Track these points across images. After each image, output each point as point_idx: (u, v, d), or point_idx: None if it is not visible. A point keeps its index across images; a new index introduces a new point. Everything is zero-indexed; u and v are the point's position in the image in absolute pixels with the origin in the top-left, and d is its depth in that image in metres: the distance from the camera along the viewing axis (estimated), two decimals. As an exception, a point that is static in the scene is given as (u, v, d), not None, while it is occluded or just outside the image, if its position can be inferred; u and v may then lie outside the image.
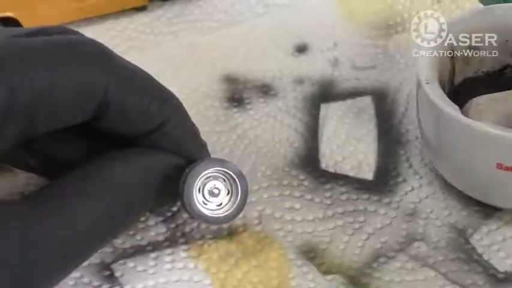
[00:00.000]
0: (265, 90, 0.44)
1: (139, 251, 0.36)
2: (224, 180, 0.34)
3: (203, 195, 0.34)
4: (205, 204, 0.34)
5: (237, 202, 0.34)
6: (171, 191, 0.34)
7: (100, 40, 0.47)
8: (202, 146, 0.36)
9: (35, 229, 0.29)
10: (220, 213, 0.34)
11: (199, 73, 0.45)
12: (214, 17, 0.49)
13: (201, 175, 0.33)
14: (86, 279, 0.34)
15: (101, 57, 0.32)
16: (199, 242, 0.36)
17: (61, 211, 0.30)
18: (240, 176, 0.34)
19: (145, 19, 0.49)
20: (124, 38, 0.47)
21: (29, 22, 0.46)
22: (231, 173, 0.34)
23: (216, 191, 0.34)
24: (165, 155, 0.34)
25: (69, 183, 0.31)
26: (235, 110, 0.43)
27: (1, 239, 0.28)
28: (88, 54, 0.31)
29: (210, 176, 0.34)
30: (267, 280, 0.34)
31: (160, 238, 0.36)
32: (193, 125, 0.35)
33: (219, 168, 0.34)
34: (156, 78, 0.34)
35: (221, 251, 0.35)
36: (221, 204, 0.34)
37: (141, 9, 0.49)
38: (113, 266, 0.35)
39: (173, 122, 0.34)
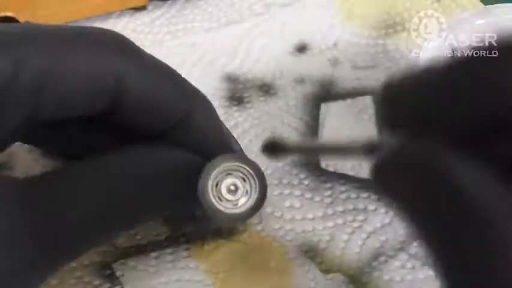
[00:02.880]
0: (266, 89, 0.44)
1: (140, 250, 0.36)
2: (244, 180, 0.33)
3: (220, 191, 0.32)
4: (221, 200, 0.32)
5: (254, 202, 0.33)
6: (190, 191, 0.32)
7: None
8: (227, 142, 0.34)
9: (47, 210, 0.28)
10: (234, 210, 0.32)
11: (199, 73, 0.45)
12: (214, 16, 0.49)
13: (219, 167, 0.32)
14: (86, 279, 0.34)
15: (120, 45, 0.31)
16: (200, 242, 0.36)
17: (72, 195, 0.29)
18: (261, 176, 0.33)
19: (145, 19, 0.49)
20: (124, 38, 0.47)
21: (29, 22, 0.46)
22: (251, 172, 0.32)
23: (233, 188, 0.32)
24: (186, 152, 0.32)
25: (84, 169, 0.30)
26: (235, 109, 0.43)
27: (12, 217, 0.28)
28: (105, 40, 0.30)
29: (229, 173, 0.32)
30: (267, 279, 0.34)
31: (161, 237, 0.36)
32: (219, 119, 0.34)
33: (239, 165, 0.32)
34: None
35: (222, 250, 0.35)
36: (237, 203, 0.32)
37: (141, 9, 0.49)
38: (114, 265, 0.35)
39: (197, 116, 0.32)
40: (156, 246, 0.36)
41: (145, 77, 0.31)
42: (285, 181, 0.39)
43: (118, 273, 0.35)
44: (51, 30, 0.30)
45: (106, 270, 0.35)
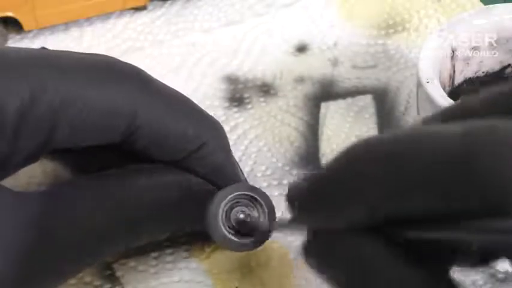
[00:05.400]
0: (266, 89, 0.44)
1: (140, 250, 0.36)
2: (253, 208, 0.32)
3: (229, 220, 0.32)
4: (230, 229, 0.32)
5: (262, 232, 0.32)
6: (195, 215, 0.32)
7: (100, 40, 0.47)
8: (236, 171, 0.34)
9: (53, 221, 0.29)
10: (242, 240, 0.32)
11: (199, 73, 0.45)
12: (214, 17, 0.49)
13: (231, 196, 0.32)
14: (87, 279, 0.35)
15: (135, 79, 0.31)
16: (201, 242, 0.36)
17: (76, 208, 0.30)
18: (271, 207, 0.33)
19: (145, 19, 0.49)
20: (124, 38, 0.47)
21: (29, 22, 0.46)
22: (262, 202, 0.32)
23: (242, 217, 0.32)
24: (196, 178, 0.33)
25: (90, 184, 0.31)
26: (235, 109, 0.43)
27: (19, 226, 0.28)
28: (120, 74, 0.31)
29: (238, 201, 0.32)
30: (268, 280, 0.34)
31: (162, 238, 0.36)
32: (229, 148, 0.34)
33: (250, 194, 0.32)
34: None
35: (222, 251, 0.35)
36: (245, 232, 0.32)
37: (141, 9, 0.49)
38: (114, 265, 0.35)
39: (209, 147, 0.33)
40: (156, 246, 0.36)
41: (159, 112, 0.31)
42: (285, 181, 0.39)
43: (118, 273, 0.35)
44: (68, 60, 0.30)
45: (106, 271, 0.35)
